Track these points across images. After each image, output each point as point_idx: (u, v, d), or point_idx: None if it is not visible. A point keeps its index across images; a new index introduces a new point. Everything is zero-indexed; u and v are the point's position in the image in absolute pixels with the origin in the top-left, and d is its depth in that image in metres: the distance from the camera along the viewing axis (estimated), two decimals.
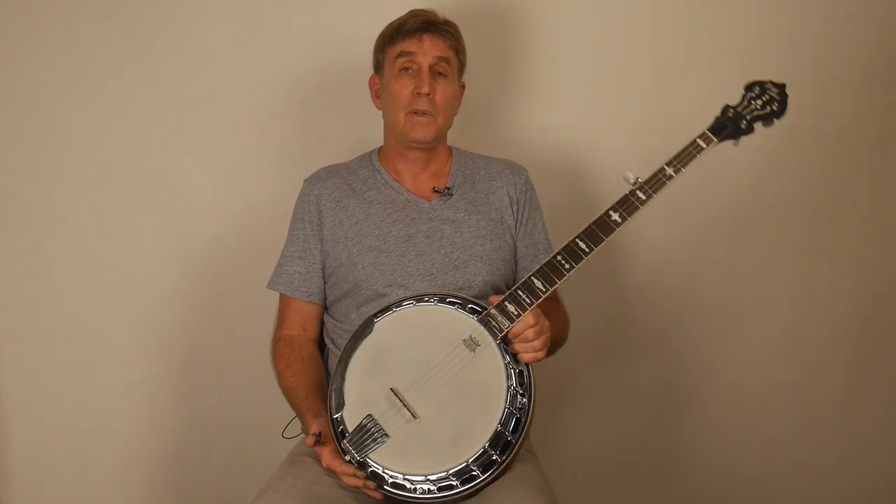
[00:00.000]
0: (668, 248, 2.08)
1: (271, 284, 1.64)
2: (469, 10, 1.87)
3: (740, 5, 2.02)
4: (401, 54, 1.58)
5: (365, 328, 1.41)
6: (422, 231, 1.58)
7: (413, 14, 1.60)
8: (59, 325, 1.97)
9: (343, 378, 1.38)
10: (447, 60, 1.59)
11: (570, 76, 2.01)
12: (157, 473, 2.04)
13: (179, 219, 1.97)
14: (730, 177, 2.08)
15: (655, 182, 1.44)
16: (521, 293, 1.38)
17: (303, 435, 1.54)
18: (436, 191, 1.61)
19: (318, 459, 1.42)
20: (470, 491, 1.32)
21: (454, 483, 1.32)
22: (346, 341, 1.43)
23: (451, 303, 1.41)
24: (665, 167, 1.45)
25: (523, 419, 1.34)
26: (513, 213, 1.64)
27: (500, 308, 1.37)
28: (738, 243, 2.10)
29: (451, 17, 1.64)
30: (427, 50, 1.57)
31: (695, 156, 1.46)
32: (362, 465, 1.34)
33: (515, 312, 1.37)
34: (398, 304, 1.42)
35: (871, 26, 2.06)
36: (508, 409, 1.33)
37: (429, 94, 1.56)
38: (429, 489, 1.32)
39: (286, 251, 1.64)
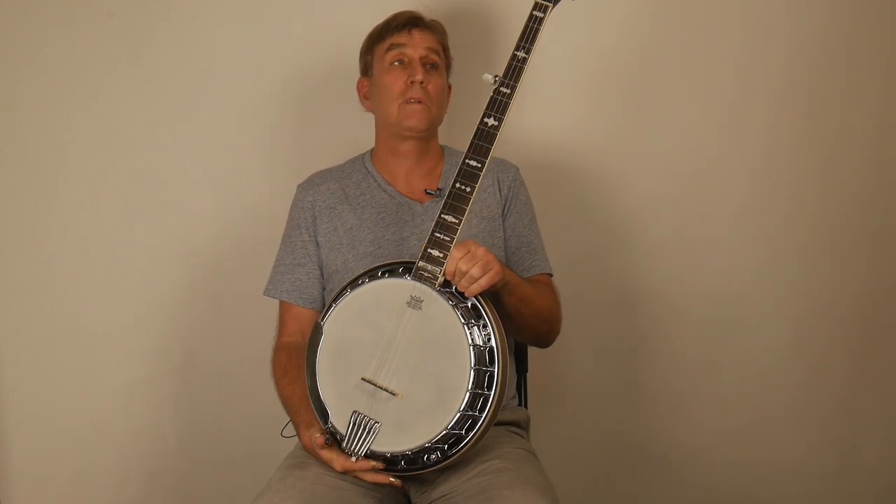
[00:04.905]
0: (668, 247, 2.08)
1: (271, 292, 1.64)
2: (456, 11, 1.87)
3: (736, 4, 2.02)
4: (391, 47, 1.60)
5: (316, 336, 1.41)
6: (415, 234, 1.58)
7: (398, 13, 1.64)
8: (59, 325, 1.97)
9: (317, 390, 1.40)
10: (437, 52, 1.62)
11: (562, 76, 2.01)
12: (157, 473, 2.04)
13: (178, 218, 1.97)
14: (730, 175, 2.08)
15: (514, 71, 1.40)
16: (438, 235, 1.36)
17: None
18: (428, 193, 1.61)
19: (318, 460, 1.43)
20: (476, 435, 1.34)
21: (460, 433, 1.33)
22: None
23: (382, 273, 1.40)
24: (516, 53, 1.40)
25: (496, 347, 1.34)
26: (502, 208, 1.65)
27: (427, 258, 1.36)
28: (738, 242, 2.10)
29: (438, 18, 1.66)
30: (417, 42, 1.60)
31: (537, 30, 1.41)
32: (373, 458, 1.37)
33: (441, 255, 1.35)
34: (337, 298, 1.41)
35: (871, 26, 2.06)
36: (473, 344, 1.33)
37: (422, 83, 1.57)
38: (439, 455, 1.34)
39: (285, 259, 1.64)
